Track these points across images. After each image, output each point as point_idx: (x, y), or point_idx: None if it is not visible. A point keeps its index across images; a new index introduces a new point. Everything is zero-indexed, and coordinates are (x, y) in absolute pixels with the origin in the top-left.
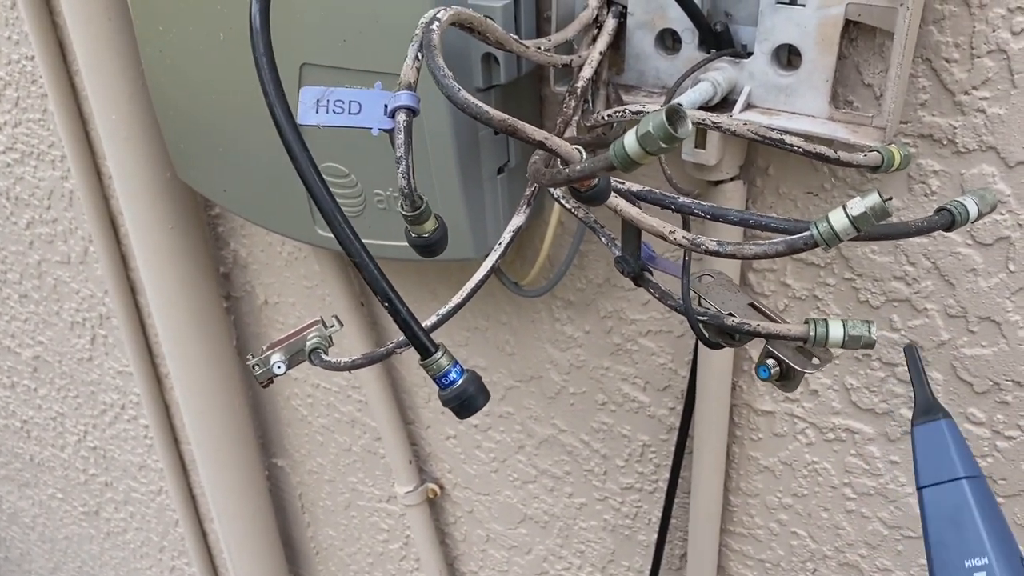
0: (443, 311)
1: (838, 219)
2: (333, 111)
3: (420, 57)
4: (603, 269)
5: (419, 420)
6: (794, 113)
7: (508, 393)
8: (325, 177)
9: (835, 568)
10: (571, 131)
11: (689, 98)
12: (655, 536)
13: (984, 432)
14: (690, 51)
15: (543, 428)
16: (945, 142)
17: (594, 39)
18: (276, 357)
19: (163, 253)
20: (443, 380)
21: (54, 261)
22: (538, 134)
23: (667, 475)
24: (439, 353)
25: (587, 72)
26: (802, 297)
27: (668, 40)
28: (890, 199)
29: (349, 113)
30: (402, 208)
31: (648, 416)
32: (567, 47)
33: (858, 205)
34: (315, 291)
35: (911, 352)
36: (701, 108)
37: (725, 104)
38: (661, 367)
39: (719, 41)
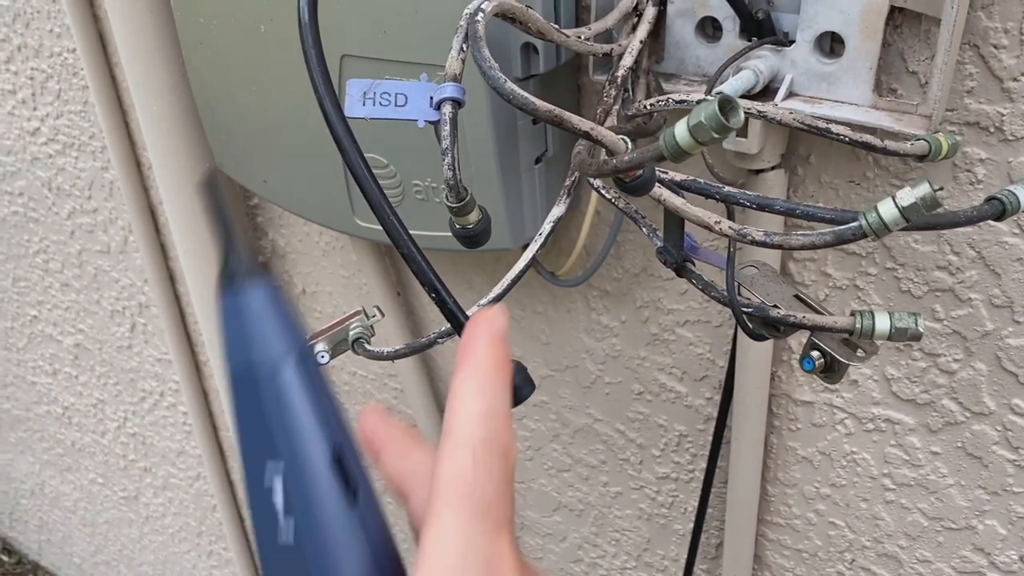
0: (483, 302)
1: (887, 210)
2: (380, 103)
3: (464, 48)
4: (640, 258)
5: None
6: (837, 101)
7: (543, 382)
8: None
9: (873, 559)
10: (611, 120)
11: (731, 86)
12: (691, 525)
13: None
14: (731, 39)
15: (578, 417)
16: (992, 130)
17: (634, 27)
18: (320, 347)
19: (204, 243)
20: None
21: (94, 250)
22: (584, 124)
23: (703, 465)
24: None
25: (627, 61)
26: (843, 287)
27: (709, 28)
28: (940, 189)
29: (395, 105)
30: (447, 199)
31: (685, 406)
32: (606, 36)
33: (908, 195)
34: (352, 280)
35: (211, 184)
36: (743, 97)
37: (767, 92)
38: (699, 357)
39: (761, 29)
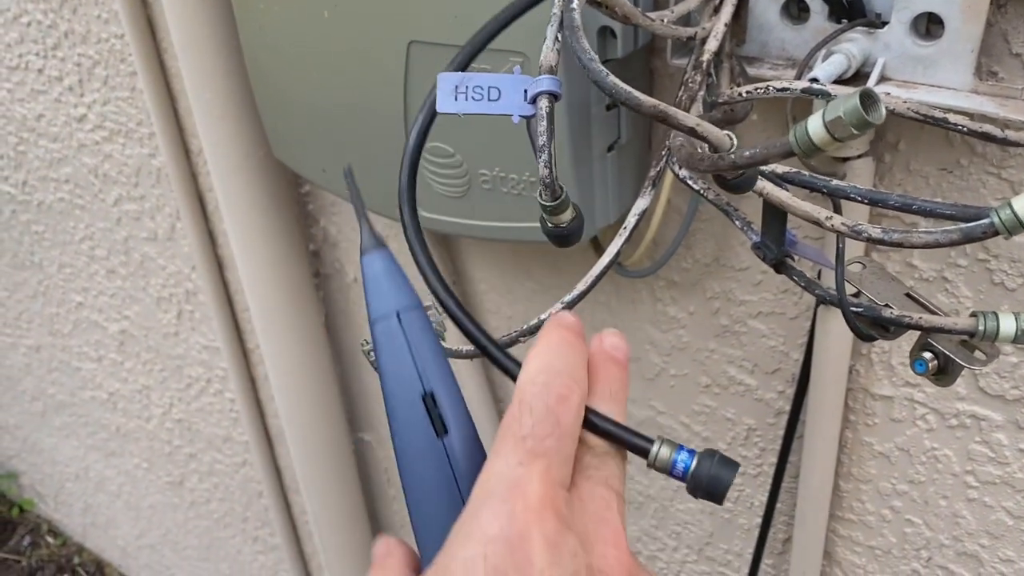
0: (568, 299)
1: (1023, 206)
2: (472, 98)
3: (559, 38)
4: (711, 248)
5: (509, 398)
6: (934, 86)
7: None
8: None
9: (952, 557)
10: (696, 107)
11: (824, 71)
12: (756, 520)
13: None
14: (818, 21)
15: (640, 410)
16: None
17: (716, 9)
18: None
19: (255, 231)
20: (675, 473)
21: (141, 237)
22: (690, 120)
23: (772, 459)
24: (656, 446)
25: (712, 45)
26: (929, 279)
27: (794, 9)
28: None
29: (488, 99)
30: (541, 197)
31: (755, 399)
32: (685, 19)
33: None
34: (406, 269)
35: (350, 176)
36: (835, 83)
37: (858, 77)
38: (771, 349)
39: (851, 10)
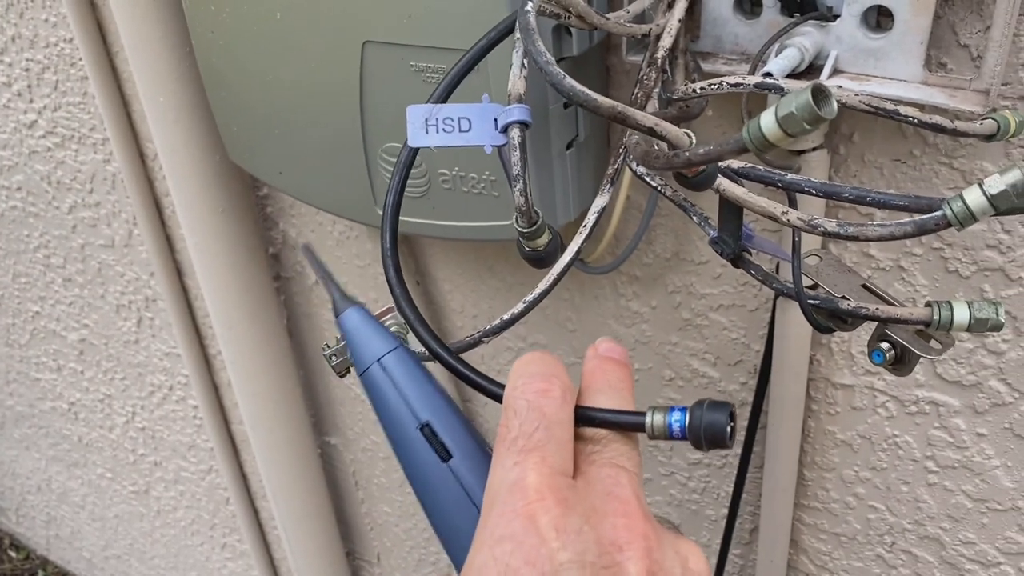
0: (530, 298)
1: (974, 198)
2: (443, 130)
3: (526, 65)
4: (671, 243)
5: (477, 397)
6: (885, 78)
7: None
8: (387, 157)
9: (914, 541)
10: (652, 104)
11: (778, 65)
12: (723, 510)
13: None
14: (771, 15)
15: None
16: None
17: (669, 6)
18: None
19: (213, 235)
20: (674, 435)
21: (98, 244)
22: (648, 120)
23: (738, 450)
24: (648, 417)
25: (667, 42)
26: (886, 268)
27: (747, 4)
28: None
29: (459, 131)
30: (518, 224)
31: (718, 391)
32: (640, 15)
33: (997, 182)
34: (368, 270)
35: (309, 252)
36: (789, 76)
37: (811, 71)
38: (733, 341)
39: (802, 4)
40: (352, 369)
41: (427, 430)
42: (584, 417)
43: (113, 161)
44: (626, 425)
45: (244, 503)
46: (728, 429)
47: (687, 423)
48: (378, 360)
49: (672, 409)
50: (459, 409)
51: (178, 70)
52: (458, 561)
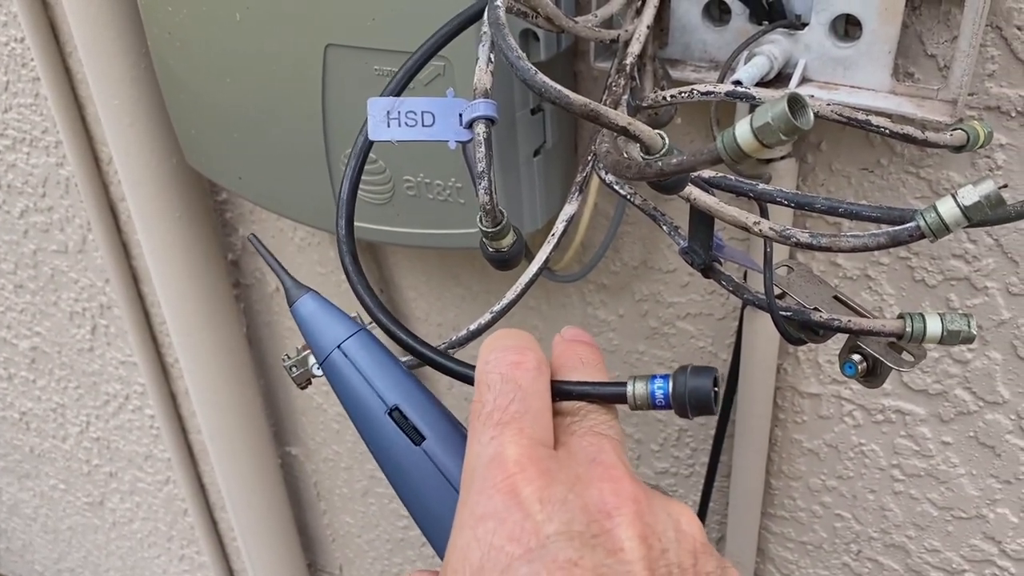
0: (497, 308)
1: (948, 209)
2: (406, 124)
3: (492, 59)
4: (639, 251)
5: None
6: (853, 87)
7: None
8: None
9: (880, 549)
10: (621, 111)
11: (747, 73)
12: None
13: None
14: (740, 23)
15: None
16: (1014, 114)
17: (638, 11)
18: (314, 358)
19: (170, 241)
20: (657, 403)
21: (51, 250)
22: (621, 119)
23: (704, 459)
24: (630, 387)
25: (635, 48)
26: (853, 277)
27: (715, 11)
28: (1004, 186)
29: (423, 125)
30: (482, 223)
31: None
32: (608, 21)
33: (970, 194)
34: (330, 277)
35: (255, 240)
36: (757, 85)
37: (780, 79)
38: (700, 350)
39: (771, 12)
40: (314, 368)
41: (396, 414)
42: (561, 391)
43: (66, 165)
44: (606, 396)
45: (203, 514)
46: (713, 393)
47: (671, 390)
48: (338, 346)
49: (654, 377)
50: (428, 390)
51: (134, 72)
52: (440, 548)
